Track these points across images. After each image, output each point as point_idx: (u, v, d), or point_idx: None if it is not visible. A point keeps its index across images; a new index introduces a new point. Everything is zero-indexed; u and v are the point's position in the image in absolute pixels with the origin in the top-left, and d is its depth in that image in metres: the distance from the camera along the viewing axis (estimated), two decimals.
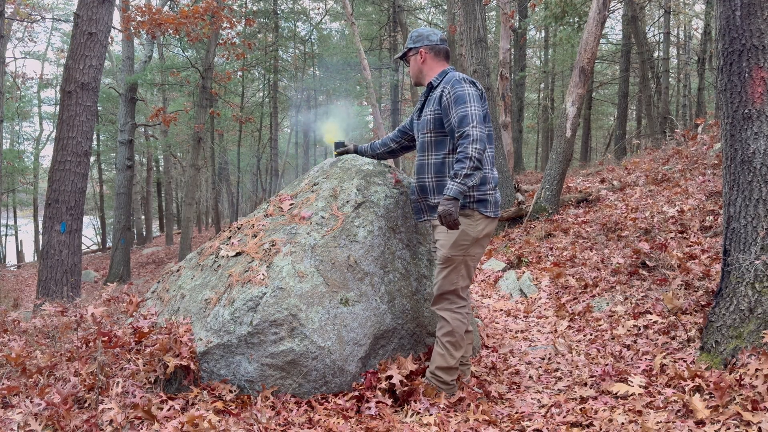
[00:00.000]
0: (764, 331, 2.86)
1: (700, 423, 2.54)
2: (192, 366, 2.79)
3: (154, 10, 11.93)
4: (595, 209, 7.54)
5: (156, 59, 17.95)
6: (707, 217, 5.58)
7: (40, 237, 10.18)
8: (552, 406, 2.91)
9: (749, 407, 2.54)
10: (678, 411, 2.68)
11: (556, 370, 3.53)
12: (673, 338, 3.66)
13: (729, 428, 2.45)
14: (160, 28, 11.86)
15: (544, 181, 8.09)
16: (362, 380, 2.97)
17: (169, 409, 2.60)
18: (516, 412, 2.88)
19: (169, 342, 2.84)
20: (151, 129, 22.76)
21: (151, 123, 17.52)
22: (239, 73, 18.95)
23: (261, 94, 24.82)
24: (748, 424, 2.45)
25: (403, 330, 3.20)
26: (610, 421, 2.65)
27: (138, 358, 2.81)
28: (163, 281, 3.70)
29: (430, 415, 2.75)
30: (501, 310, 5.11)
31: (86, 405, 2.59)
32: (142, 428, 2.45)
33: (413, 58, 3.14)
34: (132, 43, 15.79)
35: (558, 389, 3.21)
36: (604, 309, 4.48)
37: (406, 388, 2.92)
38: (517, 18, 16.89)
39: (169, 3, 15.55)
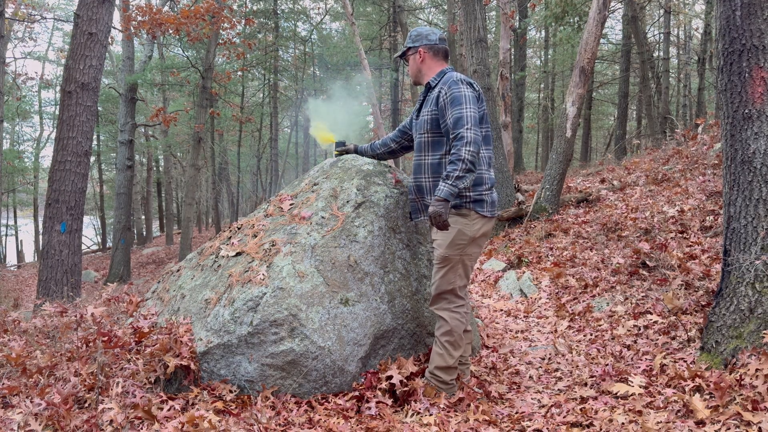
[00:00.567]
0: (764, 331, 2.86)
1: (701, 423, 2.54)
2: (192, 366, 2.80)
3: (154, 10, 11.94)
4: (596, 209, 7.53)
5: (156, 59, 17.93)
6: (707, 217, 5.58)
7: (40, 237, 10.18)
8: (552, 406, 2.91)
9: (749, 407, 2.54)
10: (678, 411, 2.68)
11: (556, 370, 3.53)
12: (673, 338, 3.65)
13: (729, 428, 2.44)
14: (161, 28, 11.88)
15: (544, 181, 8.09)
16: (362, 380, 2.97)
17: (169, 409, 2.60)
18: (516, 412, 2.88)
19: (169, 342, 2.85)
20: (151, 129, 22.78)
21: (151, 123, 17.55)
22: (239, 73, 18.96)
23: (261, 94, 24.82)
24: (749, 424, 2.45)
25: (403, 330, 3.20)
26: (610, 421, 2.65)
27: (138, 358, 2.81)
28: (163, 281, 3.70)
29: (430, 415, 2.75)
30: (501, 310, 5.11)
31: (86, 405, 2.59)
32: (142, 428, 2.46)
33: (412, 58, 3.14)
34: (132, 43, 15.78)
35: (558, 389, 3.21)
36: (604, 309, 4.48)
37: (406, 388, 2.92)
38: (517, 18, 16.88)
39: (169, 3, 15.55)
